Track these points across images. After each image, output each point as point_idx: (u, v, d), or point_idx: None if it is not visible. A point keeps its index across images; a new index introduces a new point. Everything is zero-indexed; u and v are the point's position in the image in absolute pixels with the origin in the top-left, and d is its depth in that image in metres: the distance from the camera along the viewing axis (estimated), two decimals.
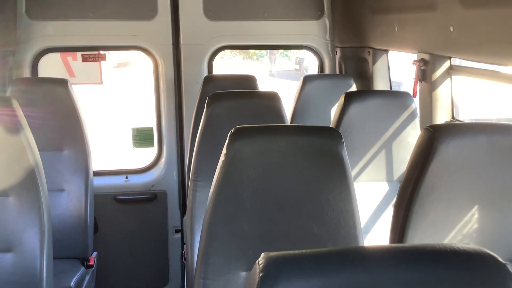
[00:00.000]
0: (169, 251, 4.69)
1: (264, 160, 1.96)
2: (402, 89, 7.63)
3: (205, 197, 2.50)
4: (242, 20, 4.57)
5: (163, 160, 4.67)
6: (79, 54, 4.57)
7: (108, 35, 4.44)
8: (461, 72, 3.10)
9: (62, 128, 3.76)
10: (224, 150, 1.97)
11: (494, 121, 2.29)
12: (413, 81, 3.29)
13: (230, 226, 1.95)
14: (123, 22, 4.43)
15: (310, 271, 1.02)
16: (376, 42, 3.99)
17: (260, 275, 1.02)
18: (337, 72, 4.65)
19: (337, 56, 4.65)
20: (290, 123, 3.88)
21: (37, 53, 4.34)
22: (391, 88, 4.20)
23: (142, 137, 4.71)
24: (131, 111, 12.96)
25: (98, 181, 4.31)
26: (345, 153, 1.95)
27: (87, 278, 3.67)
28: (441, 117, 3.16)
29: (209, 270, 1.94)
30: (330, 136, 1.99)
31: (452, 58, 3.07)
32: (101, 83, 4.78)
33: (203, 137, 2.85)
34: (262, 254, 1.07)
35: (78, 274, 3.56)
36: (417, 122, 3.14)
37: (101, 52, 4.62)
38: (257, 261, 1.06)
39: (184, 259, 3.78)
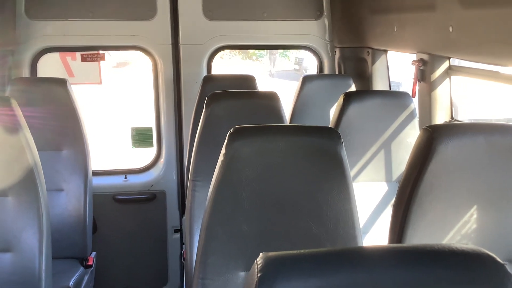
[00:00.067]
0: (168, 251, 4.69)
1: (263, 160, 1.96)
2: (401, 89, 7.62)
3: (204, 197, 2.50)
4: (242, 20, 4.57)
5: (162, 160, 4.67)
6: (78, 54, 4.56)
7: (108, 35, 4.44)
8: (460, 72, 3.10)
9: (61, 128, 3.75)
10: (223, 150, 1.97)
11: (493, 121, 2.29)
12: (412, 81, 3.29)
13: (229, 226, 1.95)
14: (122, 22, 4.42)
15: (308, 271, 1.02)
16: (375, 42, 3.99)
17: (259, 275, 1.02)
18: (336, 72, 4.65)
19: (336, 56, 4.65)
20: (289, 123, 3.88)
21: (36, 52, 4.34)
22: (390, 88, 4.20)
23: (141, 137, 4.71)
24: (130, 111, 12.95)
25: (97, 181, 4.30)
26: (344, 153, 1.95)
27: (86, 278, 3.66)
28: (440, 117, 3.16)
29: (208, 270, 1.94)
30: (329, 136, 1.99)
31: (451, 58, 3.07)
32: (100, 83, 4.77)
33: (202, 137, 2.85)
34: (261, 254, 1.07)
35: (77, 274, 3.55)
36: (416, 122, 3.14)
37: (100, 52, 4.61)
38: (255, 261, 1.05)
39: (183, 259, 3.78)
